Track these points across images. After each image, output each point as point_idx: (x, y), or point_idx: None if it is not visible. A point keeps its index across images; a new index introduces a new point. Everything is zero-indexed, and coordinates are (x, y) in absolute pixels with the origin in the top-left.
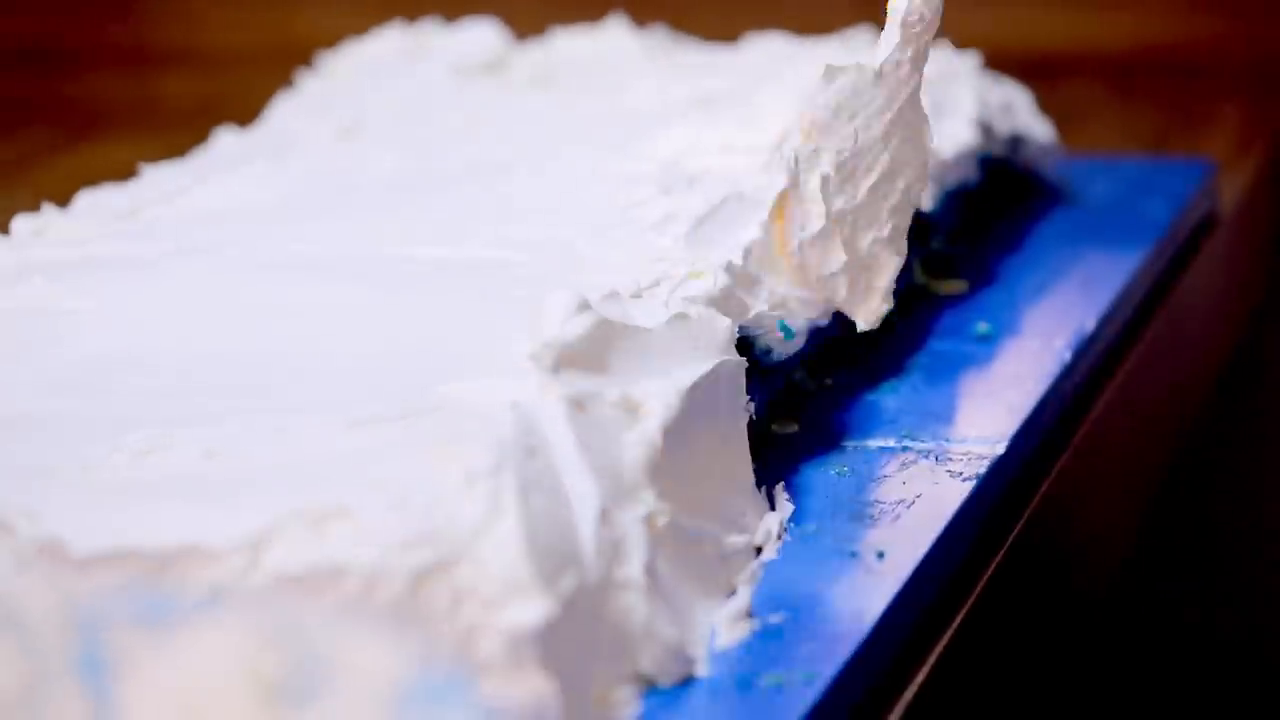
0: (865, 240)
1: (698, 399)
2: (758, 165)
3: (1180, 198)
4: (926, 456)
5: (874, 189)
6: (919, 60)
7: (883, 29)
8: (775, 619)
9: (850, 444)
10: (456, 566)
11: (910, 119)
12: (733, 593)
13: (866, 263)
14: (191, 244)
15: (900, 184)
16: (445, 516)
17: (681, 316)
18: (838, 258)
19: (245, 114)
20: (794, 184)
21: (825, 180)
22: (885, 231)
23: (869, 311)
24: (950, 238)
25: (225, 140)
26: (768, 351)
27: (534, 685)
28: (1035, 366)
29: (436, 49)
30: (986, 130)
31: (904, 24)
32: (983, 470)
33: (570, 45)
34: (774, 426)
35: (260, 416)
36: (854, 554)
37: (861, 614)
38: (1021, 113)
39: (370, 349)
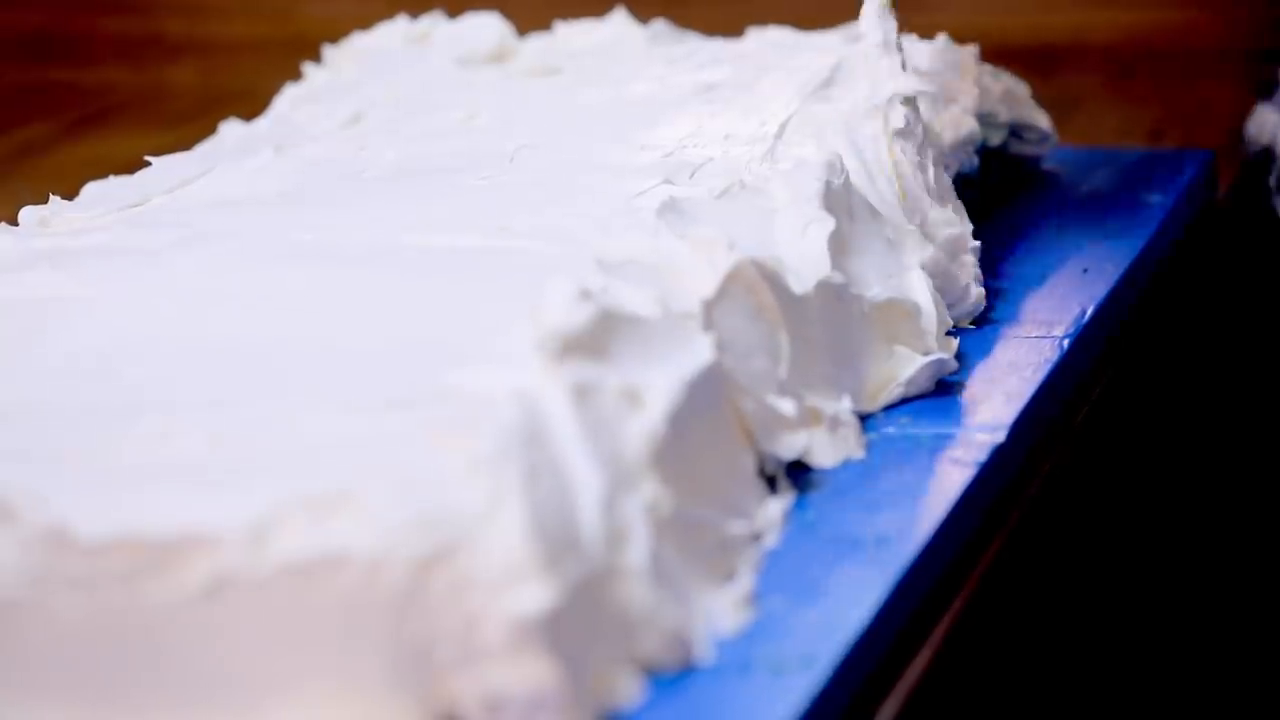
0: None
1: (701, 387)
2: (760, 155)
3: (1178, 187)
4: (927, 443)
5: None
6: None
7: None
8: (777, 605)
9: None
10: (459, 553)
11: None
12: (734, 579)
13: None
14: (197, 233)
15: None
16: (448, 503)
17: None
18: None
19: (251, 106)
20: None
21: None
22: None
23: None
24: None
25: (231, 132)
26: None
27: (537, 672)
28: (1035, 355)
29: (441, 41)
30: (985, 120)
31: None
32: (983, 458)
33: (573, 37)
34: None
35: (265, 404)
36: (855, 540)
37: (862, 600)
38: (1020, 103)
39: (374, 336)
